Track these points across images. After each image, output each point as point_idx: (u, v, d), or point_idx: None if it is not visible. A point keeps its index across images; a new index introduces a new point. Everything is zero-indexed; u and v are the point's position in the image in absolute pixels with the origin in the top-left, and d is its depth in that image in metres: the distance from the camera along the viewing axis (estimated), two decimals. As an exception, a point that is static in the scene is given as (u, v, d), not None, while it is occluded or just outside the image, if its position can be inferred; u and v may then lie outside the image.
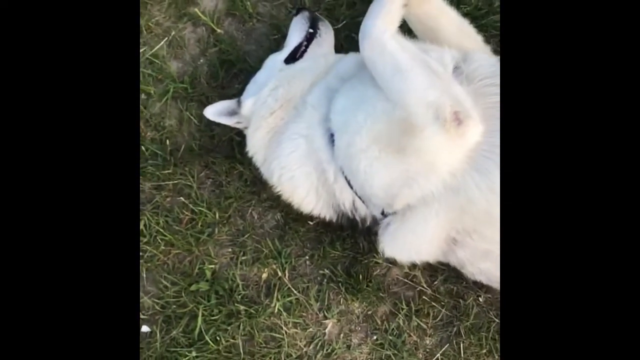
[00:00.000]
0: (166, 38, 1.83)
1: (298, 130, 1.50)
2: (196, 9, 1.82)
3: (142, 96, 1.82)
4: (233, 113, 1.64)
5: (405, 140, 1.32)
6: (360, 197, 1.46)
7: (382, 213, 1.45)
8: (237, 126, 1.67)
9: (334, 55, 1.65)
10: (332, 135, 1.43)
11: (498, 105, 1.28)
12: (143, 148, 1.78)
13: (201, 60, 1.83)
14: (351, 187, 1.46)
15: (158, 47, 1.82)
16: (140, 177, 1.77)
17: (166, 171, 1.77)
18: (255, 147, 1.60)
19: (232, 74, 1.78)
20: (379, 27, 1.34)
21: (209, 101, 1.78)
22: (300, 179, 1.52)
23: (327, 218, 1.58)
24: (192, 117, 1.80)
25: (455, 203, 1.35)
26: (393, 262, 1.69)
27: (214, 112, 1.65)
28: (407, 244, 1.46)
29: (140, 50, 1.82)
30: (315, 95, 1.51)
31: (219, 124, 1.77)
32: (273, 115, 1.55)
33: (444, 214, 1.37)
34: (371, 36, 1.35)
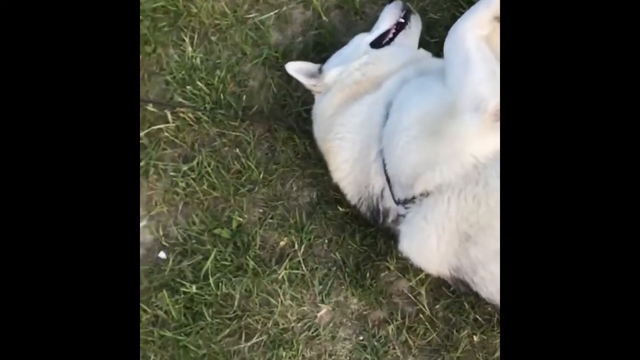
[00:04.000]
0: (277, 10, 1.98)
1: (368, 102, 1.60)
2: (312, -6, 1.98)
3: (238, 54, 1.98)
4: (311, 76, 1.76)
5: (444, 122, 1.40)
6: (389, 181, 1.50)
7: (404, 202, 1.48)
8: (312, 88, 1.77)
9: (423, 51, 1.74)
10: (387, 116, 1.52)
11: None
12: (222, 97, 1.93)
13: (299, 39, 1.97)
14: (385, 173, 1.51)
15: (266, 16, 1.98)
16: (210, 121, 1.92)
17: (233, 123, 1.90)
18: (329, 104, 1.69)
19: (321, 58, 1.89)
20: (466, 27, 1.46)
21: (292, 74, 1.91)
22: (348, 143, 1.61)
23: (348, 197, 1.63)
24: (272, 84, 1.93)
25: (469, 192, 1.38)
26: (402, 272, 1.70)
27: (296, 68, 1.77)
28: (418, 233, 1.47)
29: (251, 15, 2.00)
30: (393, 80, 1.60)
31: (291, 95, 1.90)
32: (357, 85, 1.65)
33: (455, 202, 1.40)
34: (457, 31, 1.47)
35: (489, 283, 1.43)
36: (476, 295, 1.48)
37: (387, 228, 1.59)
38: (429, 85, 1.49)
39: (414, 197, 1.46)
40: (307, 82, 1.77)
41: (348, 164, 1.61)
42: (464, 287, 1.49)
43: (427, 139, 1.42)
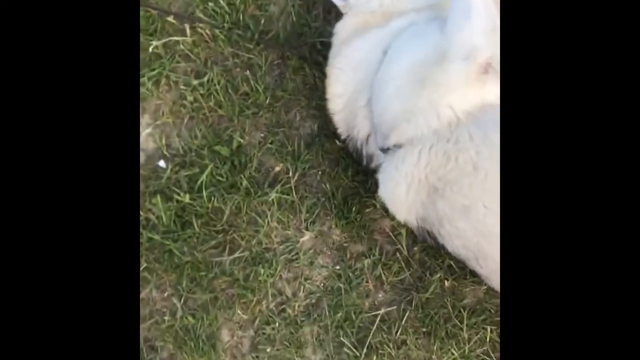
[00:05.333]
0: (309, -61, 1.98)
1: (372, 41, 1.60)
2: None
3: (263, -22, 1.99)
4: None
5: (432, 70, 1.40)
6: (374, 127, 1.52)
7: (382, 150, 1.51)
8: (341, 9, 1.75)
9: None
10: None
11: None
12: (241, 17, 1.95)
13: (328, -33, 1.97)
14: (372, 121, 1.53)
15: (298, -57, 1.98)
16: (226, 40, 1.94)
17: (248, 45, 1.92)
18: (343, 27, 1.70)
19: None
20: None
21: (315, 3, 1.91)
22: (345, 77, 1.63)
23: (339, 131, 1.68)
24: (292, 12, 1.93)
25: (440, 148, 1.40)
26: (386, 211, 1.74)
27: None
28: (389, 181, 1.52)
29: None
30: (400, 22, 1.59)
31: (309, 26, 1.91)
32: (372, 15, 1.65)
33: (425, 155, 1.42)
34: None
35: (454, 237, 1.47)
36: (442, 247, 1.52)
37: (373, 170, 1.63)
38: (426, 34, 1.48)
39: (388, 148, 1.49)
40: (339, 3, 1.75)
41: (342, 100, 1.63)
42: (431, 239, 1.53)
43: (412, 88, 1.43)
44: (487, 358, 1.65)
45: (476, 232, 1.41)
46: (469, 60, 1.36)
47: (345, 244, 1.77)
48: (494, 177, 1.33)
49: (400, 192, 1.50)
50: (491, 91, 1.36)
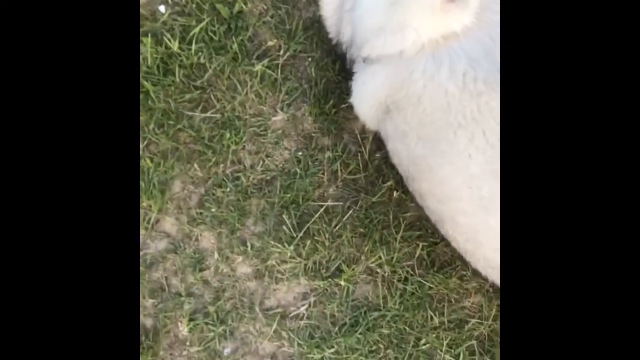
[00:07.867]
0: None
1: None
2: None
3: None
4: None
5: None
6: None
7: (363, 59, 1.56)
8: None
9: None
10: None
11: (491, 21, 1.40)
12: None
13: None
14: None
15: None
16: None
17: None
18: None
19: None
20: None
21: None
22: None
23: (329, 36, 1.72)
24: None
25: (399, 74, 1.45)
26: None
27: None
28: (358, 91, 1.60)
29: None
30: None
31: None
32: None
33: (389, 79, 1.48)
34: None
35: (394, 155, 1.60)
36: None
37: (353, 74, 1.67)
38: None
39: (362, 59, 1.53)
40: None
41: (331, 7, 1.65)
42: (384, 148, 1.63)
43: (385, 5, 1.46)
44: (410, 271, 1.74)
45: (406, 157, 1.53)
46: None
47: (313, 134, 1.81)
48: (430, 113, 1.41)
49: (365, 106, 1.58)
50: (456, 20, 1.39)
